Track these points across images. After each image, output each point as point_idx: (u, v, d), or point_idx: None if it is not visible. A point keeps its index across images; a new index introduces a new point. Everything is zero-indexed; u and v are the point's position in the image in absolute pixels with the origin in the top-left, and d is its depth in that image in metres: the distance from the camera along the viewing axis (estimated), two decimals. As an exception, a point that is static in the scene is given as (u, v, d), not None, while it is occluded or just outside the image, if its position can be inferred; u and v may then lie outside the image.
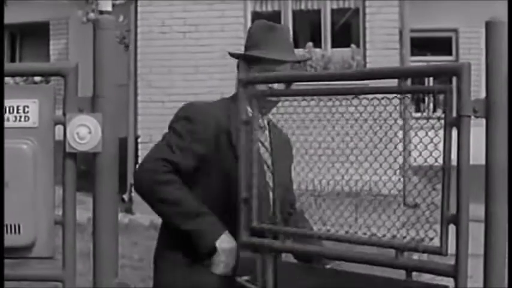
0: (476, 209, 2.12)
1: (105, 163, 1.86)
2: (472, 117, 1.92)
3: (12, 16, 11.35)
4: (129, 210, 9.11)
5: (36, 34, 13.12)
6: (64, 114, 1.87)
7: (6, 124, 1.87)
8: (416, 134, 1.97)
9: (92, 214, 1.89)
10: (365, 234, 2.25)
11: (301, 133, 2.43)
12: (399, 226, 2.18)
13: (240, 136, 2.15)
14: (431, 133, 1.93)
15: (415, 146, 1.94)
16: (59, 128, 1.88)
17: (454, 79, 1.91)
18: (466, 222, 1.90)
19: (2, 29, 10.52)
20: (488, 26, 1.94)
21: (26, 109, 1.87)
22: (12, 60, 13.50)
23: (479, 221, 1.96)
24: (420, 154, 1.88)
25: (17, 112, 1.87)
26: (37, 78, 10.03)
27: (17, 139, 1.85)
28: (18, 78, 9.01)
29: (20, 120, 1.87)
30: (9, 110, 1.87)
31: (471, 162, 1.92)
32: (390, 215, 2.13)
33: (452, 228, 1.93)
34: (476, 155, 2.17)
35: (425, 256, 2.54)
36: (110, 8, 1.60)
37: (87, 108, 1.86)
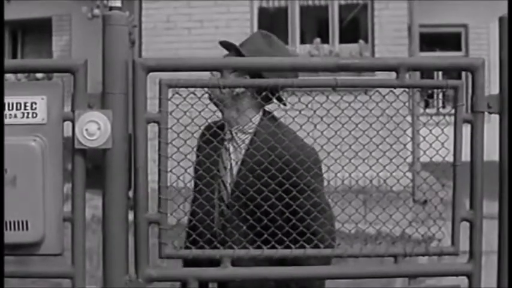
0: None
1: (115, 159, 1.85)
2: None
3: (14, 12, 11.35)
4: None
5: (39, 30, 13.12)
6: (73, 110, 1.86)
7: (14, 121, 1.86)
8: (431, 131, 1.95)
9: (102, 211, 1.87)
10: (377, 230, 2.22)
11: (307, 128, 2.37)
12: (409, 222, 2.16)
13: (136, 141, 1.86)
14: (446, 129, 1.91)
15: (431, 145, 1.91)
16: (68, 125, 1.87)
17: (463, 74, 1.89)
18: (481, 220, 1.88)
19: (2, 26, 10.52)
20: (501, 21, 1.92)
21: (34, 105, 1.86)
22: (14, 57, 13.49)
23: (486, 218, 1.94)
24: (437, 152, 1.85)
25: (25, 109, 1.86)
26: (39, 75, 10.04)
27: (25, 136, 1.84)
28: (19, 75, 9.00)
29: (28, 117, 1.86)
30: (16, 107, 1.86)
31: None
32: (403, 212, 2.11)
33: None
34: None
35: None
36: (119, 4, 1.57)
37: (96, 105, 1.86)
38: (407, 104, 2.09)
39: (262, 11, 9.42)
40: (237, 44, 2.52)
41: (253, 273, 1.95)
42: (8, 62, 1.90)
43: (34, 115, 1.86)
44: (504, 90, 1.90)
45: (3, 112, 1.85)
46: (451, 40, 12.38)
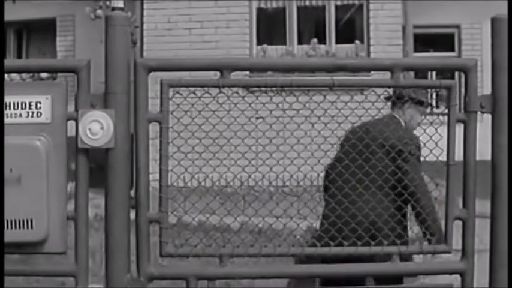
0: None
1: (118, 159, 1.87)
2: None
3: (18, 13, 11.35)
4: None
5: (43, 31, 13.10)
6: (76, 110, 1.88)
7: (18, 120, 1.88)
8: (425, 131, 1.98)
9: (104, 210, 1.90)
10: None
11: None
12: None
13: (138, 140, 1.88)
14: (440, 129, 1.93)
15: (425, 144, 1.94)
16: (72, 124, 1.89)
17: (457, 74, 1.92)
18: (473, 218, 1.91)
19: (3, 27, 10.50)
20: (494, 22, 1.95)
21: (39, 105, 1.88)
22: (19, 57, 13.49)
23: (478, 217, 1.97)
24: (431, 151, 1.88)
25: (29, 108, 1.89)
26: (43, 75, 10.02)
27: (29, 135, 1.86)
28: (24, 75, 8.99)
29: (32, 116, 1.89)
30: (21, 106, 1.88)
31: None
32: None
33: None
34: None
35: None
36: (121, 5, 1.60)
37: (99, 104, 1.88)
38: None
39: (260, 12, 9.44)
40: None
41: (253, 273, 1.98)
42: (13, 62, 1.93)
43: (39, 114, 1.88)
44: (496, 90, 1.93)
45: (4, 112, 1.87)
46: (444, 41, 12.37)
